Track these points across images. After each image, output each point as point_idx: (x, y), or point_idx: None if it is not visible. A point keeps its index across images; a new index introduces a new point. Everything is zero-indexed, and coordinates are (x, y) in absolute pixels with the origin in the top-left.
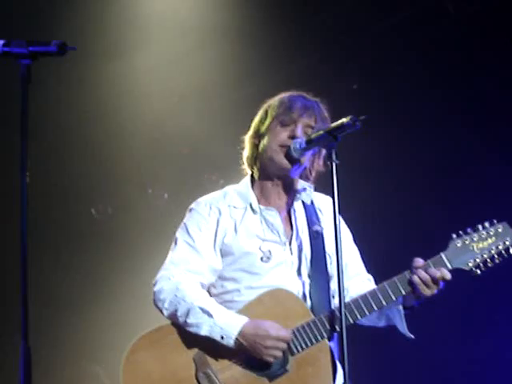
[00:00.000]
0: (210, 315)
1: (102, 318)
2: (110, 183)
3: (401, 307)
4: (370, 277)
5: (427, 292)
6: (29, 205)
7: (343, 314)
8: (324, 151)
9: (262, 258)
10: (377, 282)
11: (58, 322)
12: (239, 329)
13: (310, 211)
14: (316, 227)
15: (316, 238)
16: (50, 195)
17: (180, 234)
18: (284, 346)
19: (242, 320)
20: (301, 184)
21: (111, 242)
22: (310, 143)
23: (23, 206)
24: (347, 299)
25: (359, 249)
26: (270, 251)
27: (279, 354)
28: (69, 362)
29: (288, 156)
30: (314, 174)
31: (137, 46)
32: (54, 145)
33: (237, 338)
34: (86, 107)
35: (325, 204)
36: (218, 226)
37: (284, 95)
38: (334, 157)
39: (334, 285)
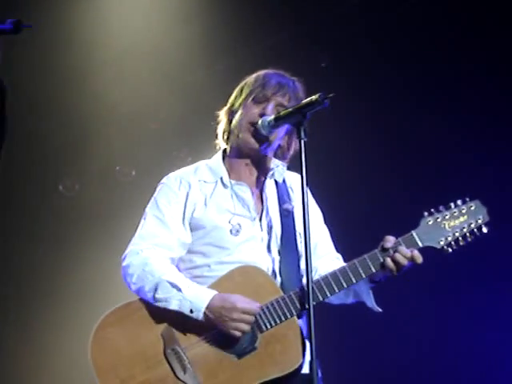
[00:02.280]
0: (178, 289)
1: (68, 294)
2: (78, 159)
3: (368, 281)
4: (339, 255)
5: (396, 271)
6: None
7: (310, 290)
8: None
9: (231, 231)
10: (346, 261)
11: (25, 300)
12: (208, 301)
13: (282, 189)
14: (287, 205)
15: (286, 217)
16: (16, 171)
17: (149, 208)
18: (250, 319)
19: (211, 293)
20: (274, 162)
21: (79, 219)
22: (278, 120)
23: None
24: (316, 277)
25: (329, 227)
26: (239, 224)
27: (245, 327)
28: (35, 336)
29: (256, 134)
30: (291, 153)
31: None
32: (21, 120)
33: (205, 312)
34: (52, 83)
35: (297, 182)
36: (187, 199)
37: (261, 72)
38: (302, 134)
39: (303, 263)
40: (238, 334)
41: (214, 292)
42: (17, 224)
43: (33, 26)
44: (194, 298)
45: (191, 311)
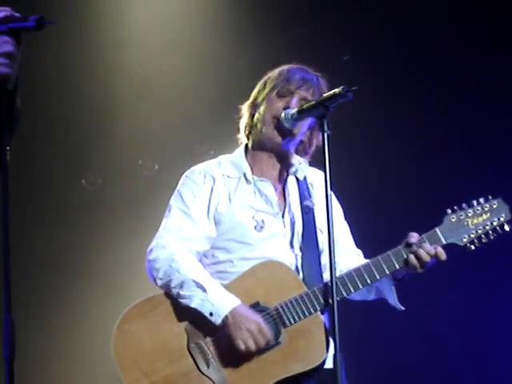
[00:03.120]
0: (204, 290)
1: (90, 290)
2: (101, 154)
3: (391, 278)
4: (360, 251)
5: (420, 268)
6: (16, 176)
7: (334, 286)
8: None
9: (255, 227)
10: (367, 257)
11: (45, 295)
12: (230, 309)
13: (303, 186)
14: (307, 202)
15: (307, 213)
16: (40, 165)
17: (174, 201)
18: (262, 343)
19: (235, 301)
20: (295, 159)
21: (102, 213)
22: (301, 113)
23: (5, 179)
24: (338, 273)
25: (351, 223)
26: (263, 221)
27: (253, 345)
28: (54, 335)
29: (279, 127)
30: (312, 148)
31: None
32: (42, 115)
33: (226, 316)
34: (72, 76)
35: (317, 178)
36: (211, 193)
37: (284, 67)
38: (325, 127)
39: (324, 259)
40: (242, 346)
41: (238, 301)
42: (39, 218)
43: (58, 13)
44: (217, 302)
45: (211, 314)
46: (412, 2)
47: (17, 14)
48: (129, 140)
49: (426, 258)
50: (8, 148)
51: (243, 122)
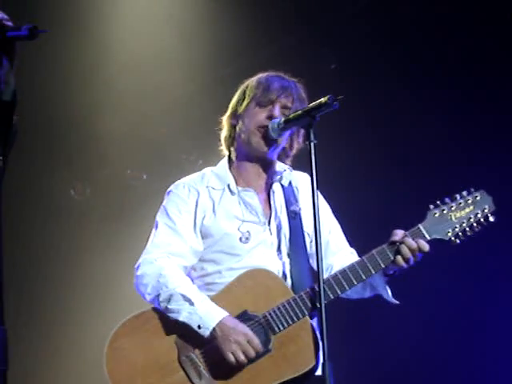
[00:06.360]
0: (191, 303)
1: (80, 299)
2: (89, 163)
3: (382, 274)
4: (353, 250)
5: (406, 264)
6: (3, 187)
7: (322, 290)
8: (302, 130)
9: (240, 239)
10: (360, 255)
11: (35, 304)
12: (217, 321)
13: (288, 192)
14: (294, 207)
15: (294, 218)
16: (27, 176)
17: (160, 217)
18: (251, 354)
19: (223, 313)
20: (279, 166)
21: (90, 223)
22: (288, 123)
23: None
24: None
25: (340, 224)
26: (248, 232)
27: (242, 357)
28: (46, 343)
29: (265, 138)
30: (293, 151)
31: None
32: (29, 125)
33: (214, 329)
34: (60, 85)
35: (302, 181)
36: (196, 207)
37: (262, 75)
38: (312, 137)
39: (313, 263)
40: (232, 358)
41: (226, 313)
42: (28, 228)
43: (45, 19)
44: (205, 315)
45: (199, 327)
46: (399, 10)
47: (9, 23)
48: (117, 149)
49: (408, 254)
50: (1, 157)
51: (224, 133)
